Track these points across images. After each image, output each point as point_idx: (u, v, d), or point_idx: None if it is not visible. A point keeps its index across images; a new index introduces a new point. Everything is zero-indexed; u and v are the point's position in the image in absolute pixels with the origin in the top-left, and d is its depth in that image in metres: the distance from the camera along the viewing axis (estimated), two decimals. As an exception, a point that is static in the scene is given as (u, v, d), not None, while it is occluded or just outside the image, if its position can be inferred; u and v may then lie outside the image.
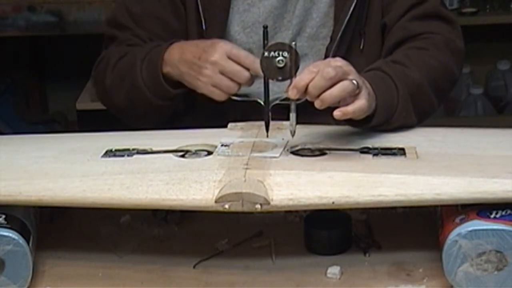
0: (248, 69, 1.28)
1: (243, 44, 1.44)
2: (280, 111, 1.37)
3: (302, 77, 1.12)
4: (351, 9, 1.39)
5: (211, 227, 1.21)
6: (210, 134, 1.25)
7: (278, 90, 1.29)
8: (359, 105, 1.13)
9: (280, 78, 1.15)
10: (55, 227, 1.23)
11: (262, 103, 1.28)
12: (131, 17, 1.46)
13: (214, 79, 1.28)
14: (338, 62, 1.15)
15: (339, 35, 1.40)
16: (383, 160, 1.11)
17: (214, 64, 1.28)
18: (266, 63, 1.15)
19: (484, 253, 0.99)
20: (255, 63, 1.25)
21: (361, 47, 1.42)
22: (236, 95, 1.33)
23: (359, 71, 1.19)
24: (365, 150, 1.15)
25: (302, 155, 1.15)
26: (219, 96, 1.30)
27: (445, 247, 1.00)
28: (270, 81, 1.22)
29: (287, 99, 1.18)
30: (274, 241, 1.16)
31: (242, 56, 1.28)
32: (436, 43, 1.40)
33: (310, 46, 1.45)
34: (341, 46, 1.40)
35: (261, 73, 1.22)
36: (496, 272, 0.99)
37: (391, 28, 1.43)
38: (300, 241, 1.16)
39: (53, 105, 3.14)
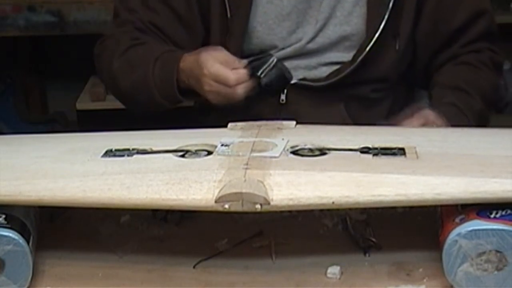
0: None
1: (264, 36, 1.46)
2: (276, 108, 1.41)
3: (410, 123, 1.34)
4: (388, 10, 1.46)
5: (211, 227, 1.21)
6: (210, 134, 1.25)
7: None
8: None
9: None
10: (55, 227, 1.23)
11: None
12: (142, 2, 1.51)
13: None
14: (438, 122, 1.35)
15: (377, 36, 1.47)
16: (383, 160, 1.11)
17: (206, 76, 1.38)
18: None
19: (484, 253, 0.99)
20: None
21: (397, 47, 1.50)
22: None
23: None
24: (365, 150, 1.15)
25: (302, 155, 1.15)
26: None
27: (445, 247, 1.00)
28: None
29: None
30: (274, 241, 1.17)
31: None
32: (484, 61, 1.54)
33: (332, 42, 1.51)
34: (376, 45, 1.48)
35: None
36: (496, 272, 0.99)
37: (446, 36, 1.55)
38: (300, 241, 1.16)
39: (53, 105, 3.14)
